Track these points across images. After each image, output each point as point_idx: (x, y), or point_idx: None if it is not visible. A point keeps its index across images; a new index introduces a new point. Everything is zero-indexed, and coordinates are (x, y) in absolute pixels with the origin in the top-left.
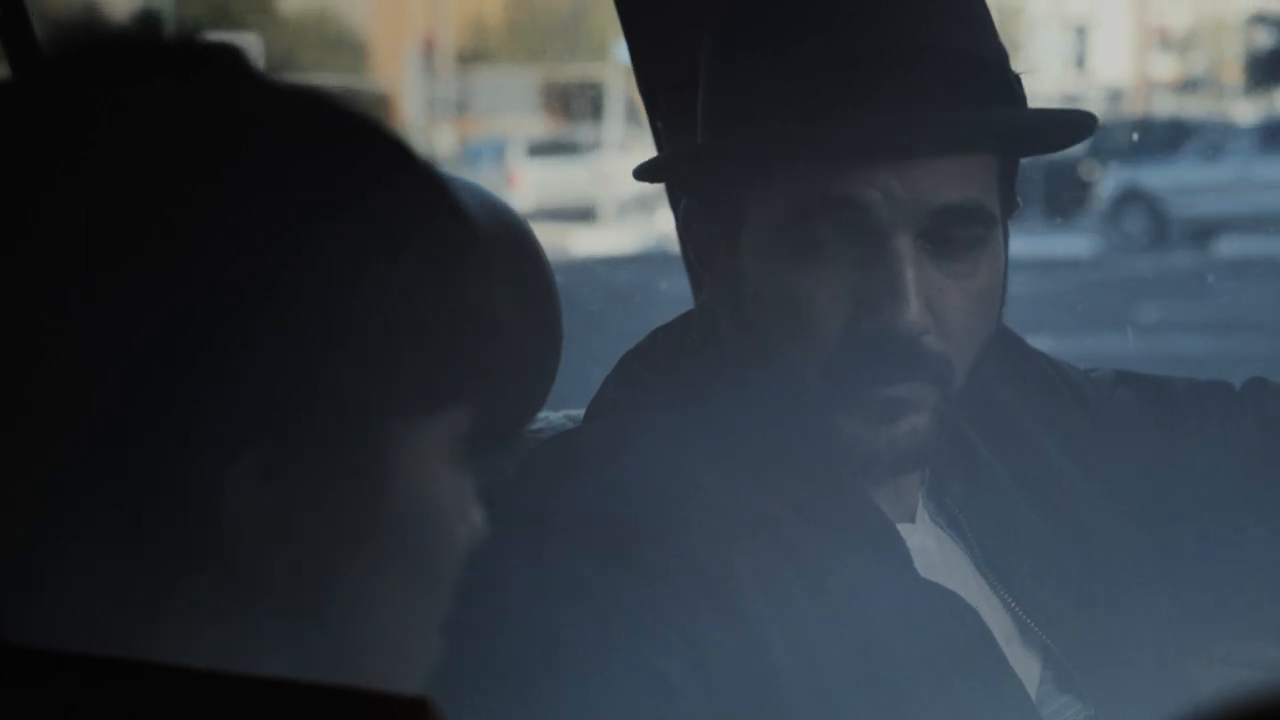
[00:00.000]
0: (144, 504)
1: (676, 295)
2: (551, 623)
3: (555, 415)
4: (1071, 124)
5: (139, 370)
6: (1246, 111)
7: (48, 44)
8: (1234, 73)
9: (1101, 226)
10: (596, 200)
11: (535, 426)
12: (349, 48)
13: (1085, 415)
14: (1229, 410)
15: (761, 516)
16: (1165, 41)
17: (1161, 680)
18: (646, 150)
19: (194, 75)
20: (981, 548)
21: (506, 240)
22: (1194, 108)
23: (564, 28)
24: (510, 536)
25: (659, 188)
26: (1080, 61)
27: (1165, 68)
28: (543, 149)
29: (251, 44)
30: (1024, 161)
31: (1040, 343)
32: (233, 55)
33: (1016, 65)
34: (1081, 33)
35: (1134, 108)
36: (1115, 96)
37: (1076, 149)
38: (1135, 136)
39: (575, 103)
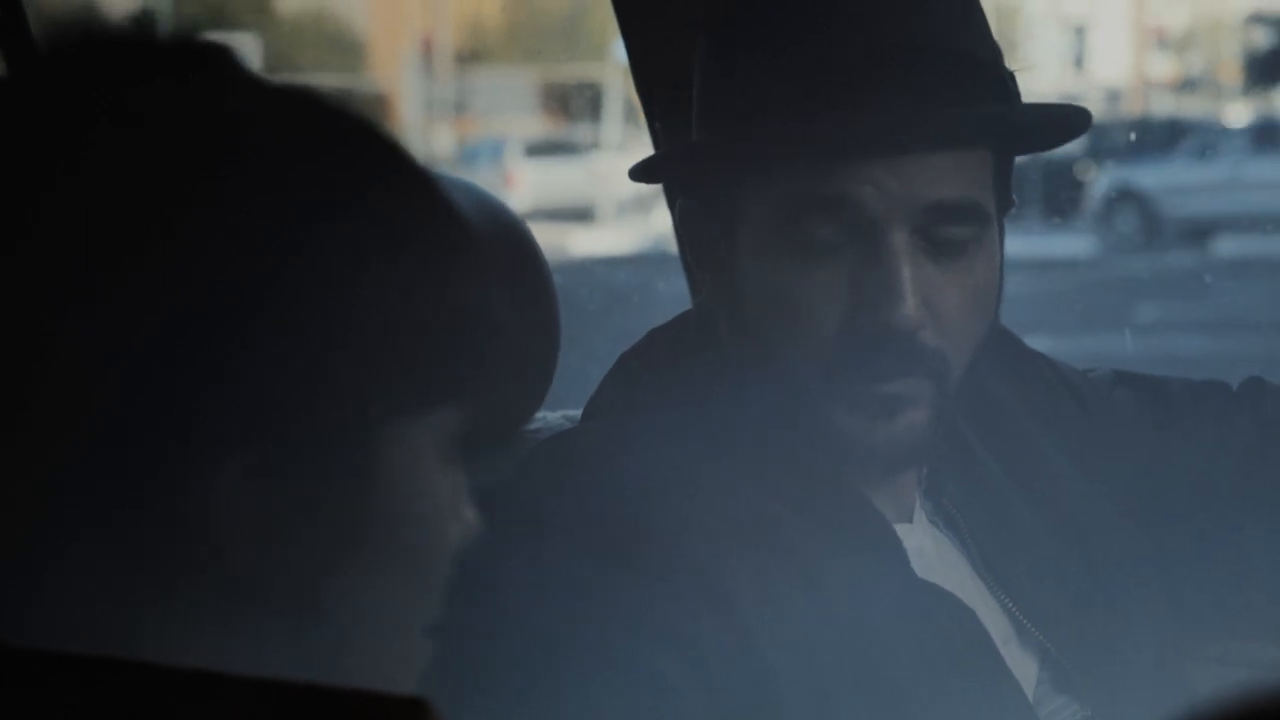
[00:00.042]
0: (144, 504)
1: (674, 295)
2: (550, 623)
3: (553, 415)
4: (1065, 120)
5: (139, 370)
6: (1240, 112)
7: (45, 43)
8: (1232, 73)
9: (1095, 226)
10: (594, 200)
11: (533, 427)
12: (347, 48)
13: (1083, 415)
14: (1226, 410)
15: (760, 516)
16: (1163, 41)
17: (1159, 680)
18: (645, 150)
19: (191, 75)
20: (979, 548)
21: (504, 240)
22: (1191, 108)
23: (562, 28)
24: (508, 536)
25: (657, 188)
26: (1078, 61)
27: (1163, 68)
28: (541, 149)
29: (249, 44)
30: (1021, 162)
31: (1038, 343)
32: (225, 55)
33: (1013, 64)
34: (1079, 32)
35: (1131, 108)
36: (1113, 96)
37: (1073, 149)
38: (1132, 136)
39: (573, 103)
